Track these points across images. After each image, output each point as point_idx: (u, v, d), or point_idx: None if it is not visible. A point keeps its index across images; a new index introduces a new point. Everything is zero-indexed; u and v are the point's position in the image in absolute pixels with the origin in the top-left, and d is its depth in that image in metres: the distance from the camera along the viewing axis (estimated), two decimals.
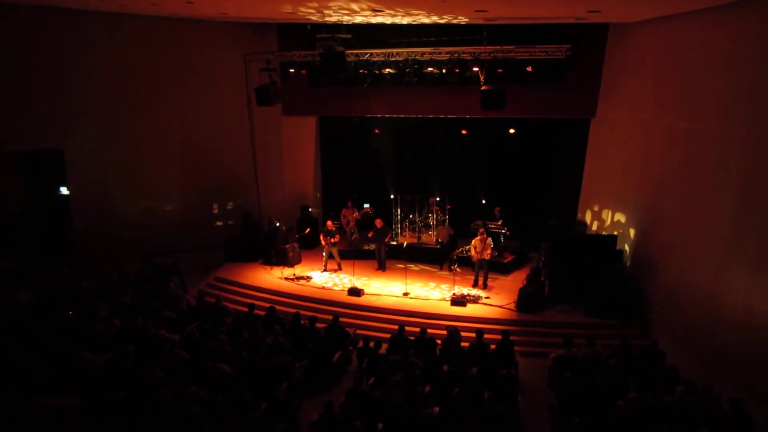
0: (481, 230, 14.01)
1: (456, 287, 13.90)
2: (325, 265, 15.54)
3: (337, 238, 15.33)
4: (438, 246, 16.02)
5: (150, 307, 11.75)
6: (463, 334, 11.33)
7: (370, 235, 15.62)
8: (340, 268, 15.57)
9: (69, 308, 11.49)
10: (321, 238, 15.37)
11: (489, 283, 14.26)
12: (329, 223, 15.56)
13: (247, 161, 17.34)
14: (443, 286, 14.39)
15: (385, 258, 15.67)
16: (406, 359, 9.72)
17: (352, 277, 14.56)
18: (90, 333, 10.29)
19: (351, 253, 16.10)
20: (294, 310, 12.23)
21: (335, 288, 14.46)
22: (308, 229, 16.51)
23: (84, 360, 9.25)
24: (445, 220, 16.70)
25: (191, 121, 17.28)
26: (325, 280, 15.07)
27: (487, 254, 13.78)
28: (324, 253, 15.55)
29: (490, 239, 13.97)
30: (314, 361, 10.45)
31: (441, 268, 15.61)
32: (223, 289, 14.77)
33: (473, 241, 14.06)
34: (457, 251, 14.99)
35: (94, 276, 13.29)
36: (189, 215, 17.70)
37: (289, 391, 9.27)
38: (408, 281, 14.27)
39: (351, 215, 16.88)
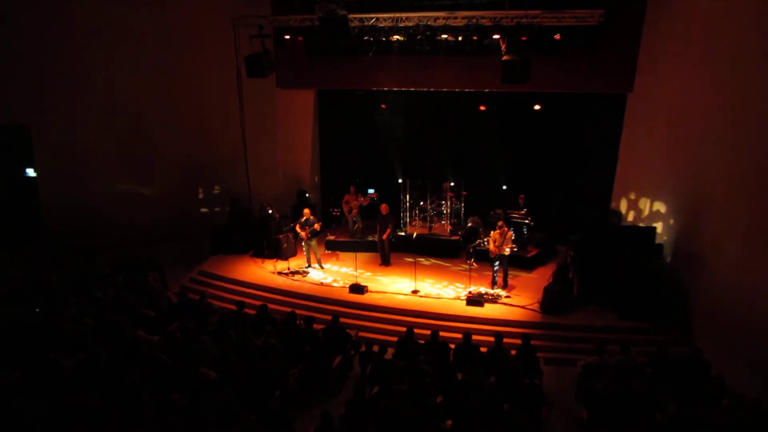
0: (500, 222, 13.96)
1: (472, 285, 13.85)
2: (309, 260, 15.57)
3: (317, 227, 15.25)
4: (458, 236, 15.95)
5: (126, 305, 11.75)
6: (480, 338, 11.32)
7: (378, 232, 15.60)
8: (320, 267, 15.55)
9: (35, 305, 11.51)
10: (297, 229, 15.32)
11: (510, 280, 14.23)
12: (306, 211, 15.51)
13: (235, 140, 17.28)
14: (458, 283, 14.38)
15: (389, 251, 15.65)
16: (415, 366, 9.70)
17: (354, 273, 14.55)
18: (58, 333, 10.30)
19: (353, 245, 16.09)
20: (288, 309, 12.22)
21: (335, 284, 14.47)
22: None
23: (51, 363, 9.25)
24: (460, 209, 16.65)
25: (173, 94, 17.20)
26: (324, 275, 15.08)
27: (506, 249, 13.73)
28: (303, 248, 15.56)
29: (511, 232, 13.91)
30: (311, 366, 10.45)
31: (468, 257, 15.53)
32: (209, 285, 14.80)
33: (492, 233, 14.00)
34: (474, 244, 14.94)
35: (64, 269, 13.31)
36: (170, 201, 17.68)
37: (283, 401, 9.26)
38: (418, 277, 14.25)
39: (354, 202, 16.85)
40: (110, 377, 8.89)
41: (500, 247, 13.72)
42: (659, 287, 12.44)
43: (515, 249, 14.70)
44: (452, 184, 16.68)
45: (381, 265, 15.66)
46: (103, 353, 9.63)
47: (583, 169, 16.62)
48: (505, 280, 14.13)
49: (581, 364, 10.33)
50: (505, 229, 13.83)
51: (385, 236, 15.45)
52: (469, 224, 15.83)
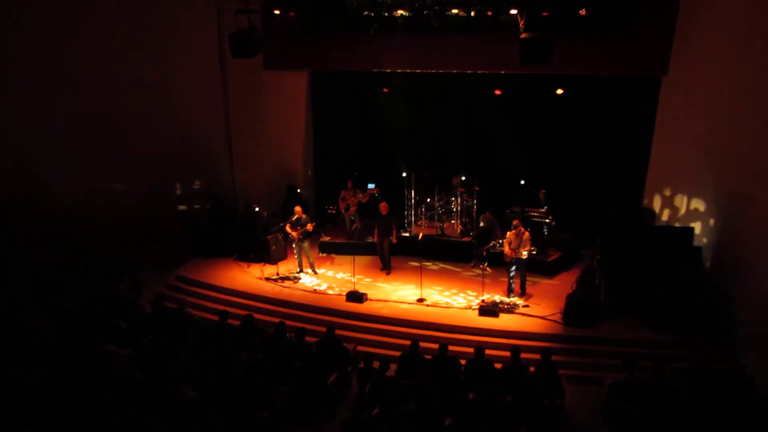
0: (515, 222, 13.94)
1: (486, 293, 13.86)
2: (300, 265, 15.59)
3: (310, 228, 15.24)
4: (471, 238, 15.93)
5: (94, 315, 11.75)
6: (494, 352, 11.32)
7: (375, 235, 15.61)
8: (313, 272, 15.59)
9: None
10: (288, 229, 15.34)
11: (528, 287, 14.23)
12: (297, 209, 15.51)
13: (218, 128, 17.29)
14: (469, 291, 14.38)
15: (389, 255, 15.68)
16: (421, 384, 9.69)
17: (352, 279, 14.56)
18: (18, 346, 10.30)
19: (351, 247, 16.08)
20: (277, 320, 12.22)
21: (330, 292, 14.49)
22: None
23: (10, 380, 9.26)
24: (472, 207, 16.62)
25: (148, 76, 17.14)
26: (317, 281, 15.11)
27: (523, 252, 13.72)
28: (294, 250, 15.59)
29: (528, 233, 13.89)
30: (303, 384, 10.44)
31: (473, 265, 15.55)
32: (188, 292, 14.82)
33: (507, 234, 13.99)
34: (488, 246, 14.93)
35: (24, 275, 13.30)
36: (144, 197, 17.66)
37: (271, 423, 9.26)
38: (424, 284, 14.26)
39: (351, 198, 16.84)
40: (76, 396, 8.89)
41: (516, 249, 13.70)
42: (697, 295, 12.40)
43: (534, 252, 14.67)
44: (463, 178, 16.66)
45: (382, 270, 15.67)
46: (69, 369, 9.64)
47: (612, 161, 16.60)
48: (522, 288, 14.12)
49: (609, 382, 10.31)
50: (522, 229, 13.79)
51: (394, 240, 15.45)
52: (481, 224, 15.82)
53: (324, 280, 15.25)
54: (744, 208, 12.55)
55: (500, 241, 14.91)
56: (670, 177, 15.45)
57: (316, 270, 15.63)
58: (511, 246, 13.76)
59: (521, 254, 13.71)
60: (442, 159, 17.45)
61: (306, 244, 15.41)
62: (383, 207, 15.52)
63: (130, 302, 12.79)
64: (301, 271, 15.49)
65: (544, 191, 16.07)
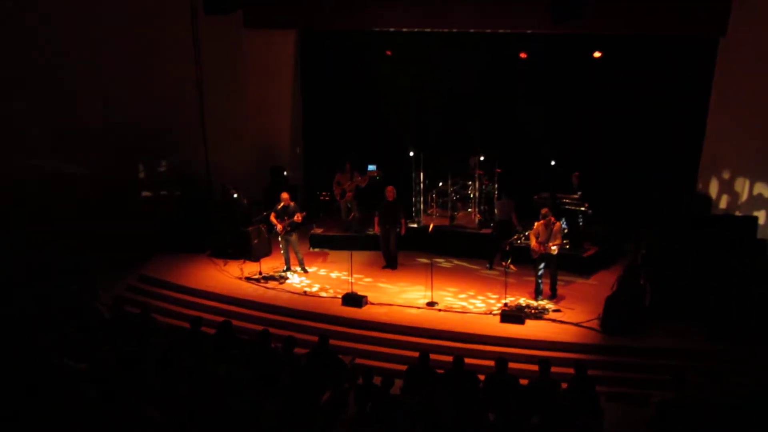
0: (544, 210, 13.90)
1: (509, 295, 13.87)
2: (288, 262, 15.64)
3: (298, 218, 15.22)
4: (490, 230, 15.93)
5: (43, 322, 11.75)
6: (519, 365, 11.34)
7: (376, 224, 15.60)
8: (303, 270, 15.63)
9: None
10: (272, 219, 15.32)
11: (559, 288, 14.24)
12: (284, 195, 15.48)
13: (189, 100, 17.26)
14: (489, 293, 14.42)
15: (396, 249, 15.69)
16: (431, 403, 9.71)
17: (349, 278, 14.57)
18: None
19: (347, 241, 16.08)
20: (261, 328, 12.25)
21: (323, 294, 14.51)
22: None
23: None
24: (492, 192, 16.59)
25: (105, 39, 17.07)
26: (308, 281, 15.15)
27: (554, 246, 13.70)
28: (280, 245, 15.63)
29: (558, 224, 13.87)
30: (291, 403, 10.46)
31: (490, 267, 15.58)
32: (153, 294, 14.87)
33: (535, 225, 13.97)
34: (512, 239, 14.92)
35: None
36: (101, 182, 17.62)
37: None
38: (435, 284, 14.25)
39: (348, 183, 16.82)
40: (22, 419, 8.91)
41: (545, 243, 13.68)
42: (762, 298, 12.40)
43: (566, 246, 14.66)
44: (482, 158, 16.64)
45: (385, 267, 15.70)
46: (12, 387, 9.66)
47: (659, 138, 16.56)
48: (552, 289, 14.14)
49: (655, 401, 10.32)
50: (552, 219, 13.77)
51: (403, 231, 15.45)
52: (496, 211, 15.80)
53: (316, 280, 15.28)
54: None
55: (525, 233, 14.85)
56: (729, 157, 15.43)
57: (307, 268, 15.66)
58: (539, 239, 13.73)
59: (551, 249, 13.68)
60: (457, 135, 17.44)
61: (294, 238, 15.42)
62: (389, 191, 15.46)
63: (84, 307, 12.80)
64: (288, 269, 15.50)
65: (577, 174, 16.05)
